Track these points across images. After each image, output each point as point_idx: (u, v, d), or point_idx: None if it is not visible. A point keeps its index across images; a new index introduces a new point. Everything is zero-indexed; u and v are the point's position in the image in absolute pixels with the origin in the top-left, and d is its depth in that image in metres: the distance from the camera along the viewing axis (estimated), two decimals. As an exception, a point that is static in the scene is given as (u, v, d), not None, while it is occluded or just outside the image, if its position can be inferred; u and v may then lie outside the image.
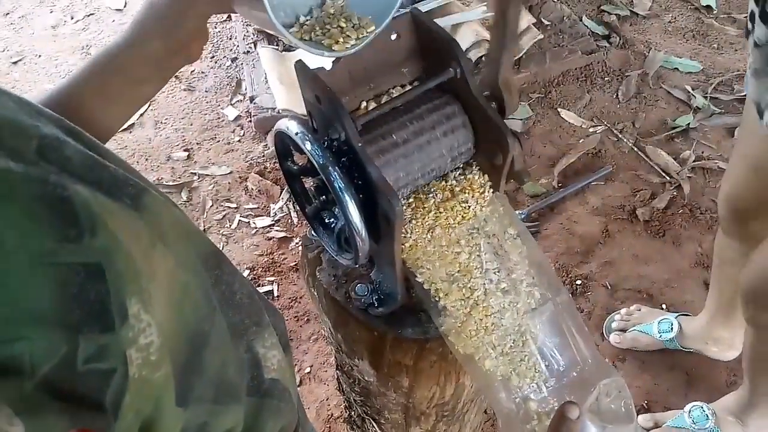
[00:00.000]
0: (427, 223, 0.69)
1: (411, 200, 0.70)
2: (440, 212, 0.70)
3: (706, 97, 2.24)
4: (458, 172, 0.72)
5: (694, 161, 2.07)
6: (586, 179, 2.03)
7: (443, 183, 0.71)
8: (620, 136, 2.16)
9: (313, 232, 0.75)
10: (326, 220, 0.72)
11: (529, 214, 1.95)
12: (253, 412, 0.52)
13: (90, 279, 0.35)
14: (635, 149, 2.12)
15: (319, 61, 0.63)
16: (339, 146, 0.62)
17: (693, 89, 2.27)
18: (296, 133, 0.61)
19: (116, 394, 0.36)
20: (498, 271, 0.70)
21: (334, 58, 0.63)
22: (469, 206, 0.70)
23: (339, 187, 0.59)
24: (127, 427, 0.37)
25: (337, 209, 0.66)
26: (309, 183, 0.71)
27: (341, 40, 0.61)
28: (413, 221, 0.69)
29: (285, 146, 0.68)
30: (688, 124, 2.18)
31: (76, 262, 0.35)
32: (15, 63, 2.49)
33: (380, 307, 0.73)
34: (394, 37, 0.66)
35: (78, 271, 0.35)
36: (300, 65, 0.63)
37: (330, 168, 0.59)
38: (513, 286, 0.69)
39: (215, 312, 0.48)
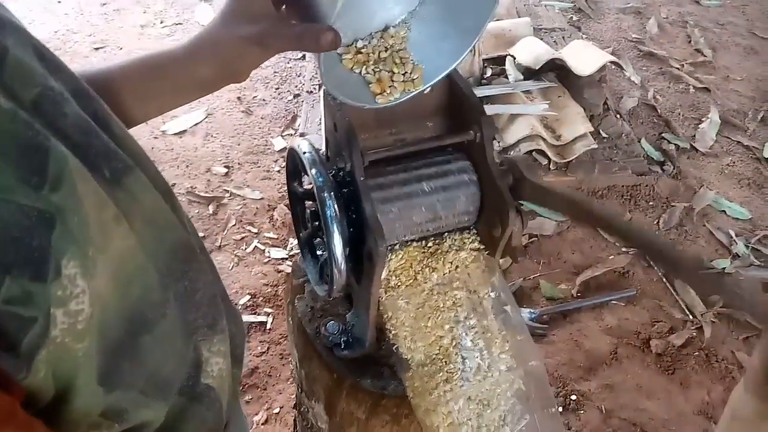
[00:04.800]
0: (416, 301, 0.68)
1: (407, 278, 0.69)
2: (433, 294, 0.68)
3: (748, 246, 2.18)
4: (455, 241, 0.70)
5: (721, 307, 2.00)
6: (607, 296, 1.98)
7: (443, 269, 0.69)
8: (652, 263, 2.11)
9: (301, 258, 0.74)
10: (316, 250, 0.72)
11: (540, 316, 1.90)
12: (176, 412, 0.50)
13: (38, 226, 0.36)
14: (664, 280, 2.07)
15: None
16: (343, 177, 0.62)
17: (736, 236, 2.22)
18: (304, 152, 0.62)
19: (32, 345, 0.35)
20: (479, 354, 0.68)
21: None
22: (462, 298, 0.69)
23: (330, 214, 0.59)
24: (38, 384, 0.37)
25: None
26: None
27: (387, 90, 0.61)
28: (404, 299, 0.68)
29: (295, 166, 0.69)
30: (724, 268, 2.11)
31: (30, 206, 0.35)
32: (96, 49, 2.63)
33: (346, 350, 0.71)
34: (427, 90, 0.67)
35: (29, 215, 0.35)
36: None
37: (326, 193, 0.59)
38: (491, 374, 0.67)
39: (168, 304, 0.47)
